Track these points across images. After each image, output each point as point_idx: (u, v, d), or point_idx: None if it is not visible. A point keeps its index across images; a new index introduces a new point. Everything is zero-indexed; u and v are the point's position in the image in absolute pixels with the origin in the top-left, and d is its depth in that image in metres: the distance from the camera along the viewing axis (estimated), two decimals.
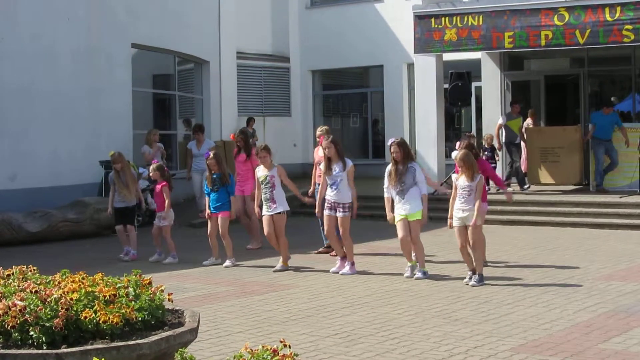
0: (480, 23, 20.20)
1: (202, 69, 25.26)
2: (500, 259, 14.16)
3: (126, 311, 5.66)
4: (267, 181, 13.63)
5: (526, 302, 10.55)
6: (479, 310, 10.08)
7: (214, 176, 14.28)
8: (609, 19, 18.92)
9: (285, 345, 5.06)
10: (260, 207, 13.75)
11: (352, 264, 13.15)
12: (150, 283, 6.20)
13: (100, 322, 5.50)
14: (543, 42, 19.64)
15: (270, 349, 4.96)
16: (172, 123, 24.57)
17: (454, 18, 20.47)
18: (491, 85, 23.66)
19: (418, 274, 12.46)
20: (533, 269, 13.05)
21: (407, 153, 12.57)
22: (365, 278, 12.57)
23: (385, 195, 12.61)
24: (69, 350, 5.25)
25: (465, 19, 20.34)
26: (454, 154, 13.32)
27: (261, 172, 13.76)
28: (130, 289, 6.03)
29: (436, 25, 20.68)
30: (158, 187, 15.18)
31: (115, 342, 5.42)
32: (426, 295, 11.08)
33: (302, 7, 29.10)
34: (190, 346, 5.86)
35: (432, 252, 14.15)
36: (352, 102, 30.05)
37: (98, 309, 5.58)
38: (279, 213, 13.60)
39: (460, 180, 11.99)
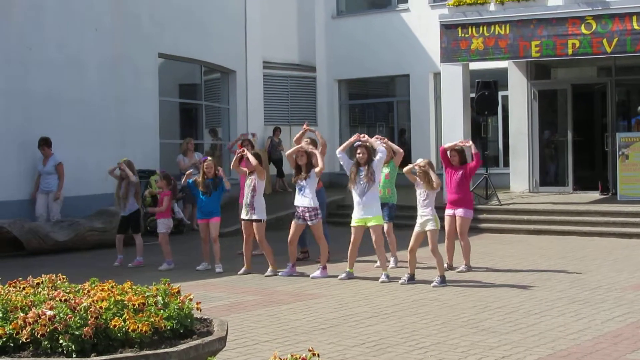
0: (507, 32, 20.16)
1: (228, 78, 25.34)
2: (528, 268, 14.11)
3: (155, 320, 5.68)
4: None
5: (554, 311, 10.51)
6: (506, 320, 10.04)
7: (208, 181, 14.39)
8: (636, 27, 18.83)
9: (314, 354, 5.04)
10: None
11: (324, 267, 13.75)
12: (178, 292, 6.22)
13: (130, 330, 5.52)
14: (570, 51, 19.57)
15: (300, 357, 4.95)
16: (198, 133, 24.65)
17: (481, 27, 20.43)
18: (518, 94, 23.59)
19: (382, 278, 13.04)
20: (560, 278, 12.99)
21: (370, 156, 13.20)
22: (392, 287, 12.54)
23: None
24: (99, 358, 5.29)
25: (492, 28, 20.31)
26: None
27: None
28: (159, 298, 6.05)
29: (463, 35, 20.65)
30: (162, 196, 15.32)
31: (144, 350, 5.44)
32: (453, 305, 11.04)
33: (328, 16, 29.11)
34: (219, 355, 5.87)
35: (455, 263, 14.07)
36: (378, 112, 30.01)
37: (127, 317, 5.61)
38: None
39: (419, 187, 12.66)
